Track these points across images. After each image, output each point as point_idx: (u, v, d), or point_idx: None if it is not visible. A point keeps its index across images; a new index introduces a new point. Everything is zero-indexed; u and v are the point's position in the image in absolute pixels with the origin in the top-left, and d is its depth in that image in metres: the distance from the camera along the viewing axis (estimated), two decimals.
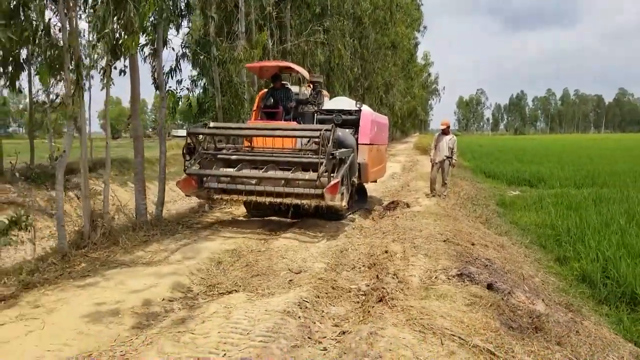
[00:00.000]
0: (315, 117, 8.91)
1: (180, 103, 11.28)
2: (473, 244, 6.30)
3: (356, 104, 9.00)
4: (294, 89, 9.36)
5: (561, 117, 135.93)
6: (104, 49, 5.63)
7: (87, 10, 5.96)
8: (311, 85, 9.49)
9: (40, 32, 5.54)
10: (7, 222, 5.11)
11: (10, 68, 5.69)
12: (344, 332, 3.65)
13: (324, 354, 3.29)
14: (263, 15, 11.60)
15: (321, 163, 6.39)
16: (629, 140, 50.10)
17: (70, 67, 5.36)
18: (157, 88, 8.17)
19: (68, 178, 11.82)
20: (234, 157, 7.52)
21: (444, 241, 6.18)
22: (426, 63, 51.64)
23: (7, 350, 3.31)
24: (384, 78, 24.52)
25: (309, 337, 3.55)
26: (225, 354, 3.15)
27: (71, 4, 5.75)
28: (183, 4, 7.83)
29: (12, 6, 5.12)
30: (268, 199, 6.95)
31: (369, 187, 10.37)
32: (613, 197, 10.26)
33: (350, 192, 7.63)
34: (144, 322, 3.92)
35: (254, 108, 9.26)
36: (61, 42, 5.72)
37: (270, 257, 5.87)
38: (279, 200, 6.93)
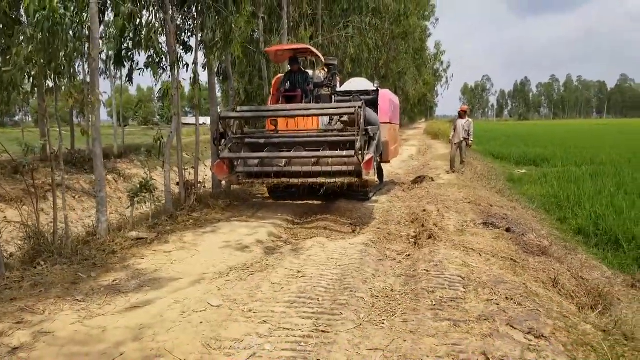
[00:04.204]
0: (333, 99, 8.84)
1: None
2: (491, 205, 7.89)
3: (374, 84, 9.11)
4: (309, 72, 9.30)
5: (564, 103, 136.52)
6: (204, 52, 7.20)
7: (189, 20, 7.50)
8: (325, 69, 9.32)
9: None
10: (139, 186, 6.74)
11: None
12: (408, 255, 5.27)
13: (401, 263, 4.92)
14: (300, 13, 13.09)
15: (357, 140, 6.30)
16: (629, 125, 51.30)
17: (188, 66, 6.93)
18: (224, 80, 9.73)
19: (105, 163, 13.31)
20: (261, 140, 7.40)
21: (469, 203, 7.79)
22: (438, 51, 53.47)
23: (188, 263, 4.92)
24: (398, 67, 26.09)
25: (386, 256, 5.18)
26: (337, 263, 4.77)
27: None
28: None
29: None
30: (300, 180, 6.90)
31: (390, 167, 11.56)
32: (607, 173, 11.81)
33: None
34: (267, 251, 5.56)
35: (272, 93, 9.26)
36: (164, 47, 7.30)
37: (334, 212, 7.48)
38: (311, 180, 6.85)
